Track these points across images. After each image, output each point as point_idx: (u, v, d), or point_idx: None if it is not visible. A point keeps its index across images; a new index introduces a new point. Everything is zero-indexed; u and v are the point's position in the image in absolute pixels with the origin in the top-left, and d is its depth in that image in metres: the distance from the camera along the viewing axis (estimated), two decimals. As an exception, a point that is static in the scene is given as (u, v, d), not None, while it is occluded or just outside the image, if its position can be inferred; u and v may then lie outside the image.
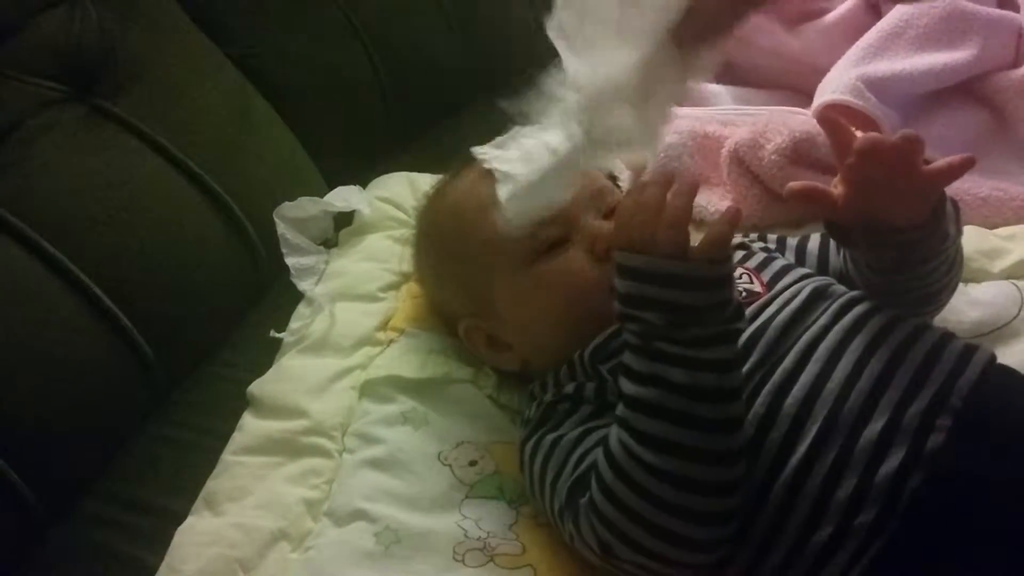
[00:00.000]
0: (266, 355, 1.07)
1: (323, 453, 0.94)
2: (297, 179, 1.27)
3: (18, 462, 0.92)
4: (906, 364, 0.78)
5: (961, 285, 0.96)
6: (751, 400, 0.78)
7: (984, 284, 1.05)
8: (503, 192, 0.80)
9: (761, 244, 0.98)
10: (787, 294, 0.85)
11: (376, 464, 0.92)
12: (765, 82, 1.43)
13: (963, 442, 0.74)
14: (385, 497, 0.89)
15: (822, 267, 0.95)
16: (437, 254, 1.02)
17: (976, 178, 1.16)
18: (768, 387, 0.78)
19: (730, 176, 1.20)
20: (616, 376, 0.78)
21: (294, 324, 1.09)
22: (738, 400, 0.75)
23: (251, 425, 0.98)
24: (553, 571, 0.84)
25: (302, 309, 1.11)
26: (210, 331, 1.13)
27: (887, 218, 0.83)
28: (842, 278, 0.91)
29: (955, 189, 1.11)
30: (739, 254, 0.94)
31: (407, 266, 1.11)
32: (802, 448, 0.75)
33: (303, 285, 1.12)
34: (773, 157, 1.16)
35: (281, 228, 1.13)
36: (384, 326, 1.07)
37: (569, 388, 0.85)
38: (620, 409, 0.76)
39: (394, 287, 1.12)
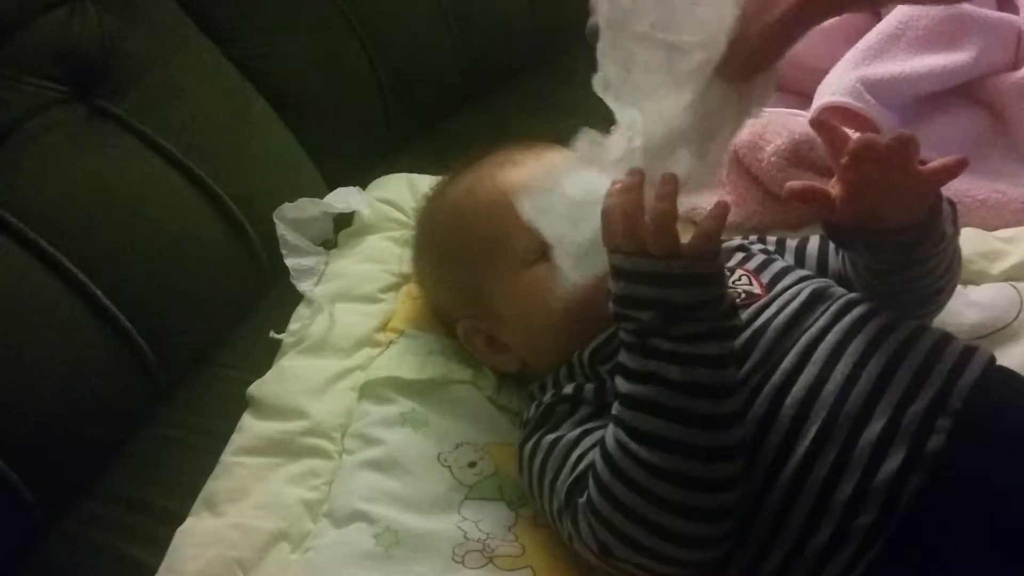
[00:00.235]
0: (266, 356, 1.07)
1: (323, 454, 0.94)
2: (297, 180, 1.27)
3: (18, 462, 0.92)
4: (905, 365, 0.78)
5: (960, 287, 0.97)
6: (750, 401, 0.78)
7: (983, 286, 1.05)
8: (562, 261, 0.78)
9: (760, 246, 0.98)
10: (786, 295, 0.85)
11: (375, 465, 0.92)
12: (765, 83, 1.43)
13: (963, 443, 0.74)
14: (384, 498, 0.89)
15: (821, 269, 0.95)
16: (436, 255, 1.02)
17: (975, 180, 1.16)
18: (767, 388, 0.78)
19: (729, 177, 1.20)
20: (615, 377, 0.79)
21: (294, 325, 1.09)
22: (734, 396, 0.76)
23: (251, 426, 0.98)
24: (552, 572, 0.84)
25: (302, 310, 1.11)
26: (209, 332, 1.13)
27: (884, 219, 0.83)
28: (841, 280, 0.91)
29: (954, 191, 1.12)
30: (738, 256, 0.94)
31: (407, 267, 1.11)
32: (801, 449, 0.75)
33: (303, 286, 1.12)
34: (772, 159, 1.16)
35: (281, 229, 1.13)
36: (383, 327, 1.07)
37: (568, 389, 0.85)
38: (616, 408, 0.76)
39: (394, 288, 1.12)
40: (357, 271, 1.14)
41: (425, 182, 1.20)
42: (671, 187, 0.74)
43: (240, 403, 1.00)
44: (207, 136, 1.18)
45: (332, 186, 1.24)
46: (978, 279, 1.06)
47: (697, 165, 0.74)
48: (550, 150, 0.98)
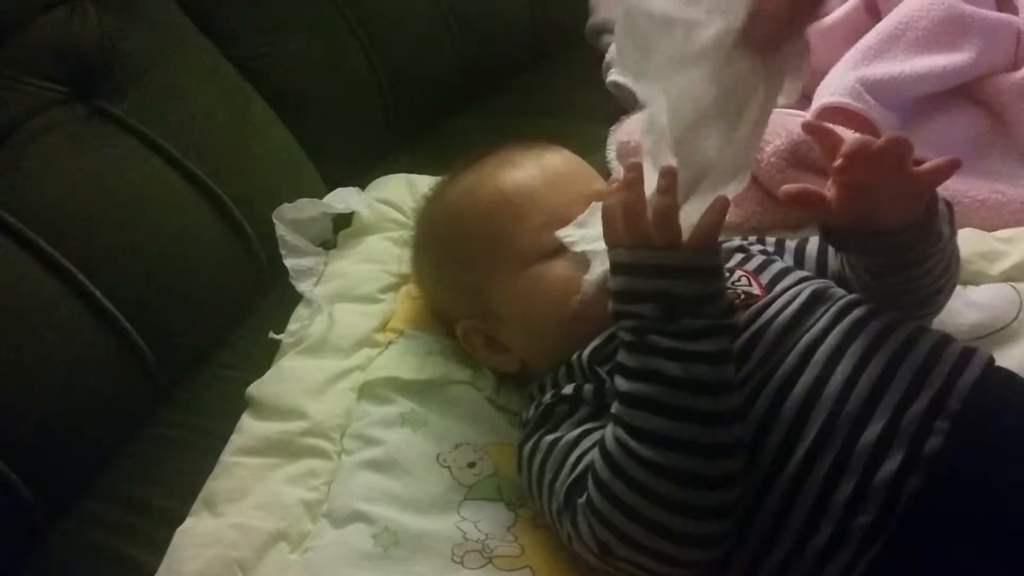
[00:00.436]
0: (265, 356, 1.07)
1: (322, 454, 0.94)
2: (296, 180, 1.27)
3: (18, 462, 0.92)
4: (905, 367, 0.78)
5: (959, 288, 0.97)
6: (751, 402, 0.78)
7: (982, 287, 1.05)
8: (595, 277, 0.80)
9: (760, 247, 0.98)
10: (786, 296, 0.85)
11: (375, 465, 0.92)
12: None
13: (961, 444, 0.74)
14: (384, 498, 0.89)
15: (821, 270, 0.95)
16: (436, 256, 1.02)
17: (975, 181, 1.16)
18: (767, 389, 0.78)
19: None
20: (614, 376, 0.79)
21: (293, 325, 1.09)
22: (733, 393, 0.76)
23: (250, 426, 0.98)
24: (552, 573, 0.84)
25: (301, 310, 1.11)
26: (209, 332, 1.13)
27: (879, 220, 0.83)
28: (840, 281, 0.91)
29: (953, 192, 1.12)
30: (738, 256, 0.94)
31: (406, 267, 1.11)
32: (801, 450, 0.76)
33: (302, 286, 1.12)
34: (772, 159, 1.16)
35: (280, 229, 1.13)
36: (383, 327, 1.07)
37: (567, 390, 0.85)
38: (615, 407, 0.76)
39: (393, 288, 1.12)
40: (356, 271, 1.14)
41: (424, 182, 1.20)
42: (671, 180, 0.74)
43: (240, 403, 1.00)
44: (206, 136, 1.18)
45: (331, 186, 1.24)
46: (977, 279, 1.06)
47: (727, 144, 0.74)
48: (550, 150, 0.98)
